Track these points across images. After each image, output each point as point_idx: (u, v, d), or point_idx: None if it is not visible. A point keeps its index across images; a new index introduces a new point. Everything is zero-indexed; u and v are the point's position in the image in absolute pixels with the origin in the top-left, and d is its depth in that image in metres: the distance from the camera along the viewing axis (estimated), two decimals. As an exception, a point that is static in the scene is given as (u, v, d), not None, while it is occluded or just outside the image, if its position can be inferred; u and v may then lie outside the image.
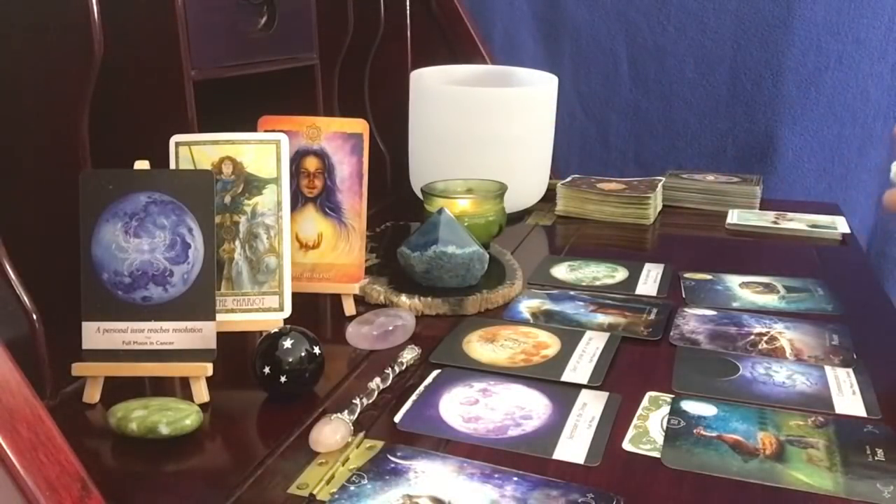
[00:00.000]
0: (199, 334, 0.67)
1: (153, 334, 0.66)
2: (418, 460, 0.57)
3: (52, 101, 0.71)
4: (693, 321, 0.81)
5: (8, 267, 0.62)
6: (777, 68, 1.41)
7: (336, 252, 0.83)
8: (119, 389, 0.65)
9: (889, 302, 0.89)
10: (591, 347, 0.75)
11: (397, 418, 0.63)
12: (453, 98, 1.14)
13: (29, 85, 0.72)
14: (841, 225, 1.13)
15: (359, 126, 0.83)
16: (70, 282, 0.67)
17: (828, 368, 0.71)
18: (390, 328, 0.77)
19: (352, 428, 0.60)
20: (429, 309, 0.84)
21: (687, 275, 0.95)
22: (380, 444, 0.59)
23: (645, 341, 0.77)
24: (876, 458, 0.58)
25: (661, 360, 0.74)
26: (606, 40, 1.52)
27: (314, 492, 0.54)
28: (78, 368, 0.66)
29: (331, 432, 0.58)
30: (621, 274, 0.96)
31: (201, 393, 0.66)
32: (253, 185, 0.74)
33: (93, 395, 0.66)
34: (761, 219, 1.16)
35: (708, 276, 0.94)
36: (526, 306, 0.86)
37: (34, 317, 0.63)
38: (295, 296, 0.75)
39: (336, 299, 0.84)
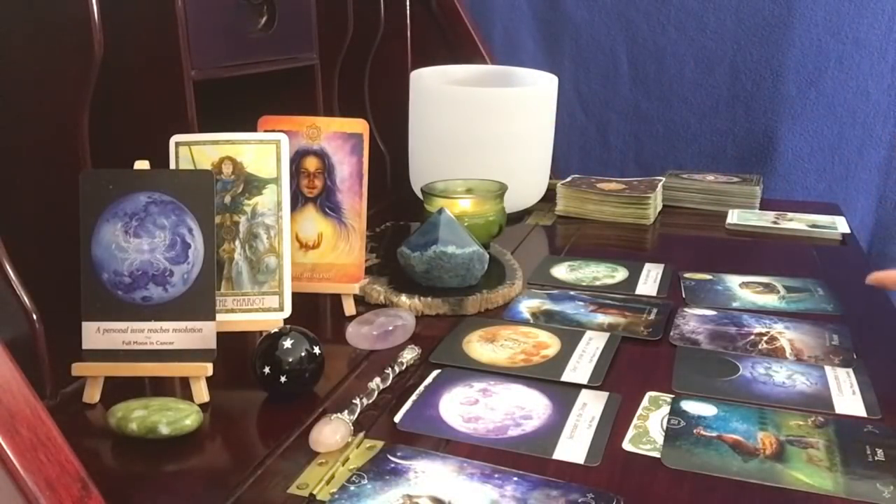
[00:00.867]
0: (199, 334, 0.67)
1: (153, 334, 0.66)
2: (418, 460, 0.57)
3: (52, 101, 0.71)
4: (693, 321, 0.81)
5: (8, 267, 0.62)
6: (777, 68, 1.41)
7: (336, 252, 0.83)
8: (119, 389, 0.65)
9: (889, 302, 0.89)
10: (591, 347, 0.75)
11: (397, 418, 0.63)
12: (453, 98, 1.14)
13: (29, 85, 0.72)
14: (841, 225, 1.13)
15: (359, 126, 0.83)
16: (70, 282, 0.67)
17: (828, 368, 0.71)
18: (390, 328, 0.77)
19: (352, 428, 0.60)
20: (429, 309, 0.84)
21: (687, 275, 0.95)
22: (380, 444, 0.59)
23: (645, 341, 0.77)
24: (876, 458, 0.58)
25: (661, 360, 0.74)
26: (606, 40, 1.52)
27: (314, 492, 0.54)
28: (78, 368, 0.66)
29: (331, 432, 0.58)
30: (621, 274, 0.96)
31: (201, 393, 0.66)
32: (253, 185, 0.74)
33: (93, 395, 0.66)
34: (761, 219, 1.16)
35: (708, 276, 0.94)
36: (526, 306, 0.86)
37: (34, 317, 0.63)
38: (295, 296, 0.75)
39: (336, 299, 0.84)
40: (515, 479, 0.55)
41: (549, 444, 0.60)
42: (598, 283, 0.93)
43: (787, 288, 0.91)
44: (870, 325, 0.82)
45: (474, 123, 1.13)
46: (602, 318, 0.82)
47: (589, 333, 0.78)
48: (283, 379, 0.65)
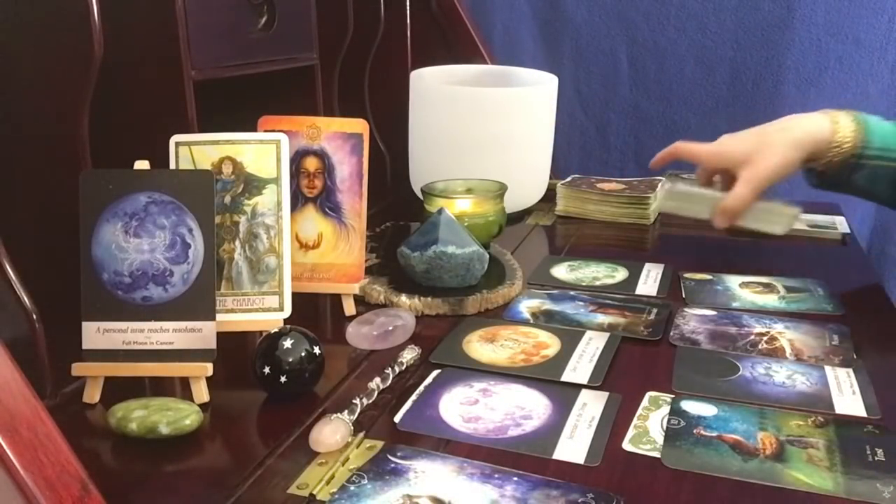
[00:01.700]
0: (199, 334, 0.67)
1: (153, 334, 0.66)
2: (418, 460, 0.57)
3: (52, 100, 0.71)
4: (693, 321, 0.81)
5: (8, 267, 0.62)
6: (777, 68, 1.41)
7: (336, 252, 0.83)
8: (119, 389, 0.65)
9: (889, 302, 0.89)
10: (591, 347, 0.75)
11: (397, 418, 0.63)
12: (453, 98, 1.14)
13: (29, 85, 0.72)
14: (841, 225, 1.13)
15: (359, 126, 0.83)
16: (70, 282, 0.67)
17: (828, 368, 0.71)
18: (390, 328, 0.77)
19: (352, 428, 0.60)
20: (429, 309, 0.84)
21: (687, 275, 0.95)
22: (380, 444, 0.59)
23: (645, 341, 0.77)
24: (876, 458, 0.58)
25: (661, 360, 0.74)
26: (606, 40, 1.52)
27: (314, 492, 0.54)
28: (78, 368, 0.66)
29: (331, 432, 0.58)
30: (621, 274, 0.96)
31: (201, 393, 0.66)
32: (253, 185, 0.74)
33: (93, 395, 0.66)
34: (761, 219, 1.16)
35: (708, 276, 0.94)
36: (526, 306, 0.86)
37: (34, 317, 0.63)
38: (295, 296, 0.75)
39: (336, 299, 0.84)
40: (515, 479, 0.55)
41: (549, 444, 0.60)
42: (598, 283, 0.93)
43: (787, 288, 0.91)
44: (870, 325, 0.81)
45: (474, 123, 1.13)
46: (602, 318, 0.82)
47: (589, 333, 0.78)
48: (283, 379, 0.65)
